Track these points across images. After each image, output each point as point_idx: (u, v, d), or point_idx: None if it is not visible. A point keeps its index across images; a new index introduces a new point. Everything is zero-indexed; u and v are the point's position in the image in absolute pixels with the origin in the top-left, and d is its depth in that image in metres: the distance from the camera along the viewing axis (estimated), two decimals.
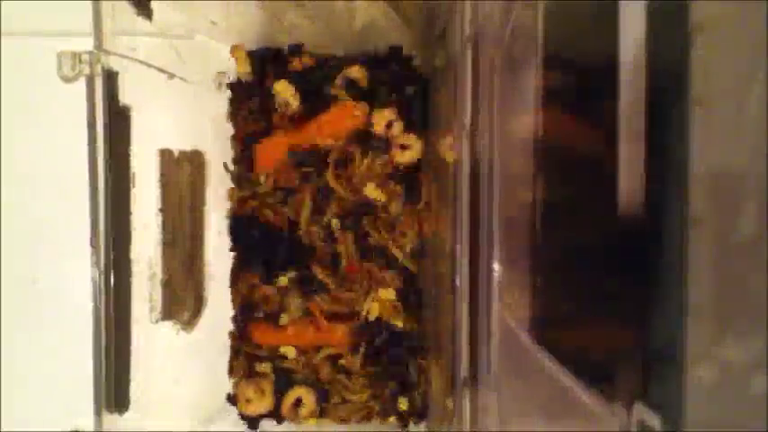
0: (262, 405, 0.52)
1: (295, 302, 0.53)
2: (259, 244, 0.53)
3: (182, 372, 0.48)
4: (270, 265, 0.53)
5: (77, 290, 0.42)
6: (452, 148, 0.40)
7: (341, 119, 0.52)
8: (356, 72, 0.52)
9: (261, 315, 0.53)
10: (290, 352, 0.53)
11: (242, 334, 0.53)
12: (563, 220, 0.25)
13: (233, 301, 0.54)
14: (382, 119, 0.51)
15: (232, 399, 0.53)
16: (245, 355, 0.53)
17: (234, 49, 0.51)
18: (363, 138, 0.52)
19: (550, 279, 0.26)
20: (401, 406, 0.53)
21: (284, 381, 0.53)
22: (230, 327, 0.54)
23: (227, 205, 0.53)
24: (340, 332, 0.53)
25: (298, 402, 0.52)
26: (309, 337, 0.53)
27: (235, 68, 0.52)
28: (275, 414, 0.52)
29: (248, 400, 0.52)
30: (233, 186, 0.53)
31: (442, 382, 0.45)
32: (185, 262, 0.49)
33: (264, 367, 0.53)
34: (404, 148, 0.52)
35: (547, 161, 0.26)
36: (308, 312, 0.53)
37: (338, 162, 0.52)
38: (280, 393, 0.52)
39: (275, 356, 0.53)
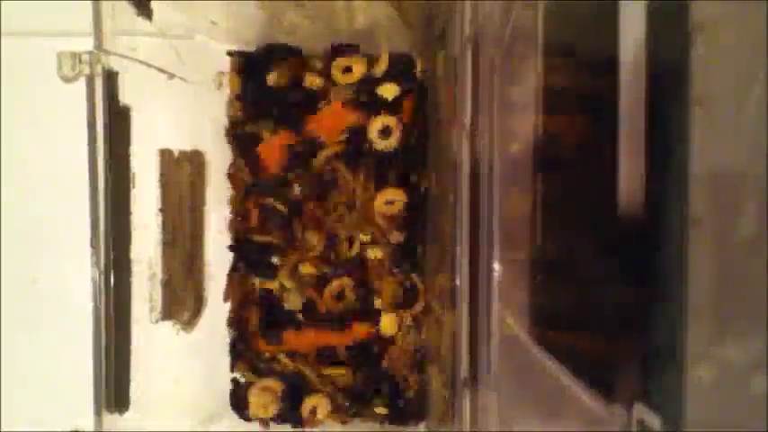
0: (273, 408, 0.52)
1: (294, 297, 0.53)
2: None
3: (182, 372, 0.48)
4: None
5: (77, 290, 0.42)
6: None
7: (339, 115, 0.52)
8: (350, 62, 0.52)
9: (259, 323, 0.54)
10: (288, 364, 0.53)
11: (243, 339, 0.54)
12: (563, 220, 0.25)
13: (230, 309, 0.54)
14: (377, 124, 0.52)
15: (239, 404, 0.53)
16: (248, 361, 0.54)
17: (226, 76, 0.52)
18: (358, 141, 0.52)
19: (550, 279, 0.26)
20: (380, 410, 0.53)
21: (296, 386, 0.53)
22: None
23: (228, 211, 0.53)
24: (342, 333, 0.53)
25: (314, 409, 0.53)
26: (310, 342, 0.53)
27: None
28: (289, 418, 0.53)
29: (260, 406, 0.52)
30: (232, 216, 0.54)
31: (442, 382, 0.45)
32: (185, 262, 0.49)
33: (271, 381, 0.53)
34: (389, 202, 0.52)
35: (547, 161, 0.26)
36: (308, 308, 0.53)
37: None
38: (292, 398, 0.53)
39: (278, 362, 0.53)
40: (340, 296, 0.53)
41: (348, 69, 0.52)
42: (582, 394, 0.20)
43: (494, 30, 0.32)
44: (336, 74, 0.52)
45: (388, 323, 0.53)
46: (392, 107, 0.52)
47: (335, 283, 0.53)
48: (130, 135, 0.40)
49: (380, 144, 0.52)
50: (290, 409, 0.52)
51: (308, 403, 0.52)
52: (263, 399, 0.52)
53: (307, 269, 0.53)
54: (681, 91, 0.15)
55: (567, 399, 0.22)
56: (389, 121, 0.52)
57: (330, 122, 0.52)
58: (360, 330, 0.53)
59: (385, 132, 0.52)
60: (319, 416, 0.52)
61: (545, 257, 0.26)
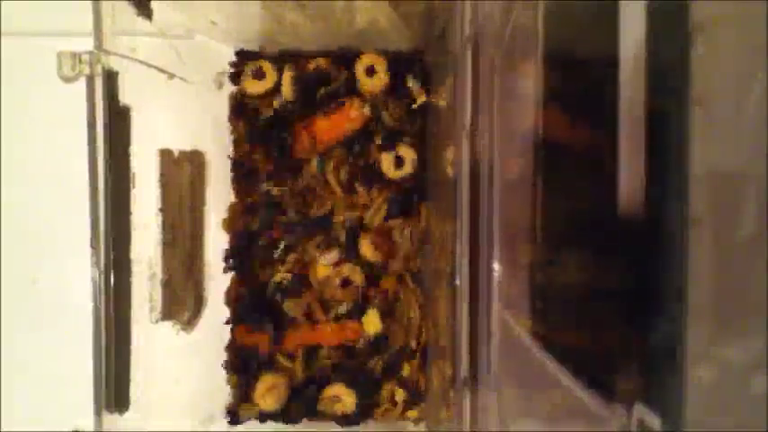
0: (276, 402, 0.53)
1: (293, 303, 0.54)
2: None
3: (182, 372, 0.48)
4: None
5: (77, 290, 0.42)
6: (453, 162, 0.41)
7: (342, 119, 0.53)
8: (373, 61, 0.52)
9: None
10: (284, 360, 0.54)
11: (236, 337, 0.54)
12: (563, 220, 0.25)
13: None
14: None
15: (244, 397, 0.53)
16: (242, 355, 0.54)
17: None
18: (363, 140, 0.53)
19: (550, 279, 0.26)
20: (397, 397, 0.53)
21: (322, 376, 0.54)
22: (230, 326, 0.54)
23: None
24: (338, 330, 0.54)
25: (335, 398, 0.53)
26: (306, 338, 0.54)
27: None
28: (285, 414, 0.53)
29: (264, 397, 0.52)
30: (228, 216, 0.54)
31: (442, 382, 0.45)
32: (185, 262, 0.49)
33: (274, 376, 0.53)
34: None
35: (547, 161, 0.26)
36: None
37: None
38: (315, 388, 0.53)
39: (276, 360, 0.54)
40: (345, 283, 0.53)
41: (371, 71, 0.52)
42: (582, 394, 0.20)
43: (494, 30, 0.32)
44: (361, 78, 0.52)
45: (371, 320, 0.53)
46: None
47: (345, 267, 0.53)
48: (130, 135, 0.40)
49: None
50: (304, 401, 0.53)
51: (329, 390, 0.53)
52: (269, 392, 0.53)
53: (323, 271, 0.53)
54: (681, 91, 0.15)
55: (567, 399, 0.22)
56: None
57: (325, 133, 0.53)
58: (351, 329, 0.54)
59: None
60: (340, 407, 0.53)
61: (545, 257, 0.26)
